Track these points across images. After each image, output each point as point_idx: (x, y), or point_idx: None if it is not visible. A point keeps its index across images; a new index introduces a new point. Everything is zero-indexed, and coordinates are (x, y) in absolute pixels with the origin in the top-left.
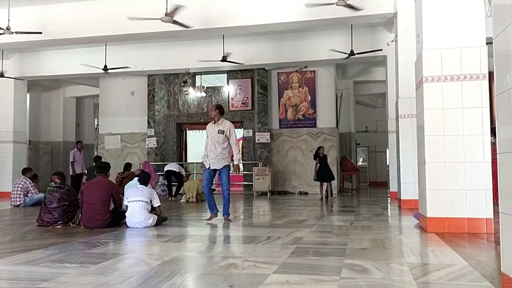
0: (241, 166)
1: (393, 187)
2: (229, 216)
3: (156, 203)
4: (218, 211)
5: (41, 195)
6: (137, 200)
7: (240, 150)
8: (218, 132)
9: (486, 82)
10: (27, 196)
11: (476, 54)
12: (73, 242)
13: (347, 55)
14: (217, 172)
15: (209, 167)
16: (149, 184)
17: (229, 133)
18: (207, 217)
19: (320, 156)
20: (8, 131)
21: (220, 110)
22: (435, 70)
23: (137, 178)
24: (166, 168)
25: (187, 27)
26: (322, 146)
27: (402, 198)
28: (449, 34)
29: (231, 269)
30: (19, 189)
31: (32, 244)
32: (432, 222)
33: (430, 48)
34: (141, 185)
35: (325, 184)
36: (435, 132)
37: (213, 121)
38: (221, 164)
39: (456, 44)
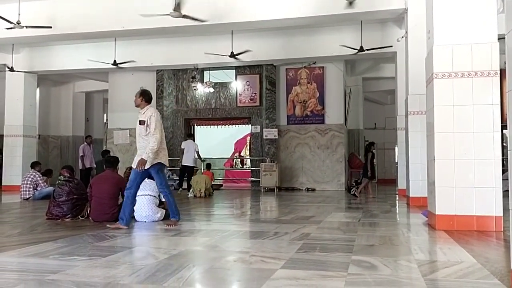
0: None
1: (401, 185)
2: (178, 219)
3: (163, 198)
4: (127, 224)
5: (50, 188)
6: (145, 194)
7: (157, 146)
8: (139, 123)
9: (497, 79)
10: (37, 190)
11: (488, 51)
12: (82, 235)
13: (356, 51)
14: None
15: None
16: None
17: (150, 121)
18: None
19: (373, 152)
20: (18, 125)
21: (145, 96)
22: (446, 67)
23: None
24: (183, 163)
25: (196, 21)
26: (374, 142)
27: (410, 195)
28: (460, 30)
29: (239, 263)
30: (28, 182)
31: (41, 237)
32: (441, 219)
33: (441, 44)
34: (149, 179)
35: (364, 180)
36: (445, 129)
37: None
38: (148, 162)
39: (467, 40)
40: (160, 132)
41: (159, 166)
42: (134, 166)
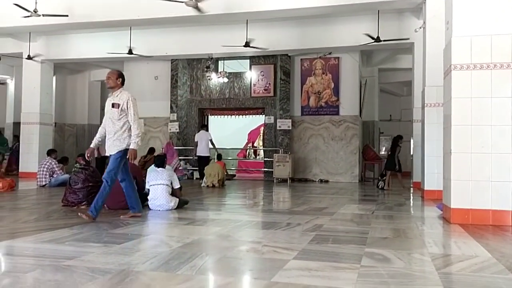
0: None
1: (416, 177)
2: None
3: (176, 185)
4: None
5: (66, 176)
6: (158, 184)
7: (141, 131)
8: (112, 106)
9: None
10: (53, 177)
11: (508, 42)
12: (97, 222)
13: (373, 40)
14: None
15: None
16: (170, 165)
17: (127, 106)
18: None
19: (400, 146)
20: (35, 113)
21: (123, 78)
22: (464, 58)
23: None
24: (198, 154)
25: (211, 11)
26: (402, 135)
27: (425, 188)
28: (480, 21)
29: (251, 253)
30: (45, 169)
31: (57, 223)
32: (456, 213)
33: (460, 35)
34: (160, 168)
35: (388, 173)
36: (462, 122)
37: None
38: (115, 147)
39: (487, 31)
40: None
41: (122, 153)
42: (108, 153)
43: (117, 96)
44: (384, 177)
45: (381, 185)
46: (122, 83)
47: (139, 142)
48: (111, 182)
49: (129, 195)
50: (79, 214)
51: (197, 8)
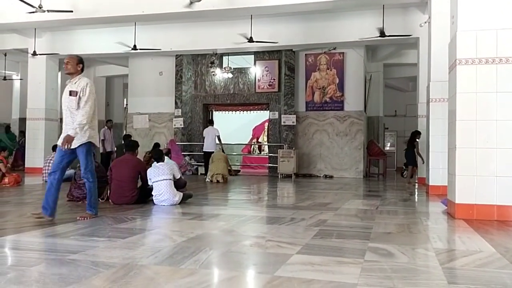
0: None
1: (421, 173)
2: (93, 213)
3: (177, 175)
4: (51, 215)
5: (71, 171)
6: (161, 180)
7: (86, 120)
8: (70, 94)
9: None
10: None
11: None
12: (102, 217)
13: (378, 35)
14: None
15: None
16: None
17: (83, 93)
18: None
19: (417, 141)
20: (40, 108)
21: (83, 64)
22: (470, 53)
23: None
24: (204, 149)
25: (215, 6)
26: (420, 131)
27: (430, 184)
28: (485, 15)
29: (255, 248)
30: (50, 165)
31: (62, 217)
32: (460, 208)
33: (465, 30)
34: (160, 163)
35: (410, 168)
36: (467, 117)
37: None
38: (76, 140)
39: (492, 25)
40: (92, 107)
41: (88, 147)
42: (59, 143)
43: (75, 83)
44: (406, 169)
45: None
46: (82, 70)
47: (78, 131)
48: (92, 178)
49: (49, 192)
50: (78, 219)
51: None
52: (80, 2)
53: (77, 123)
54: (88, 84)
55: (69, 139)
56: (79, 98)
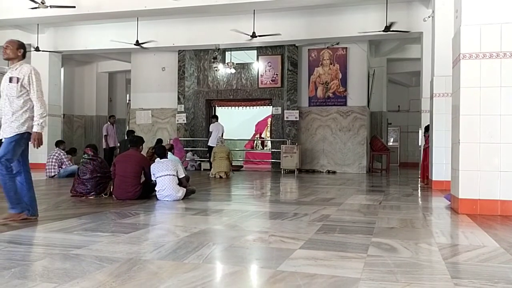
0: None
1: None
2: (21, 212)
3: (181, 174)
4: (26, 211)
5: (75, 166)
6: (164, 175)
7: (46, 110)
8: (10, 81)
9: None
10: (61, 168)
11: None
12: (105, 212)
13: (382, 30)
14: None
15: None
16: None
17: (29, 81)
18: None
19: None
20: None
21: (25, 49)
22: (473, 47)
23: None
24: (209, 144)
25: (218, 1)
26: None
27: (433, 179)
28: (489, 9)
29: (258, 243)
30: (53, 160)
31: (66, 213)
32: (464, 203)
33: (469, 24)
34: (163, 159)
35: None
36: (471, 112)
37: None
38: (11, 129)
39: (497, 20)
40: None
41: (19, 137)
42: (1, 137)
43: (16, 69)
44: None
45: None
46: (24, 56)
47: (44, 124)
48: (6, 171)
49: (11, 190)
50: (2, 220)
51: None
52: None
53: (39, 116)
54: (32, 71)
55: (39, 136)
56: (21, 86)
